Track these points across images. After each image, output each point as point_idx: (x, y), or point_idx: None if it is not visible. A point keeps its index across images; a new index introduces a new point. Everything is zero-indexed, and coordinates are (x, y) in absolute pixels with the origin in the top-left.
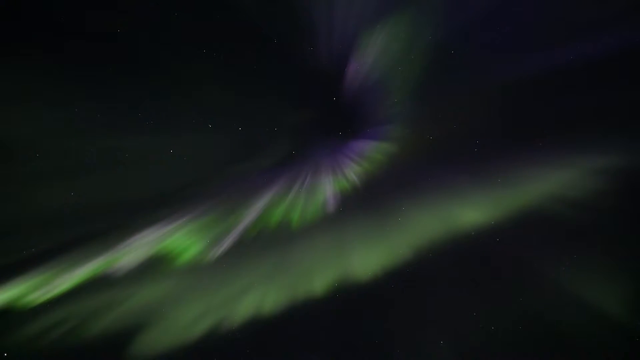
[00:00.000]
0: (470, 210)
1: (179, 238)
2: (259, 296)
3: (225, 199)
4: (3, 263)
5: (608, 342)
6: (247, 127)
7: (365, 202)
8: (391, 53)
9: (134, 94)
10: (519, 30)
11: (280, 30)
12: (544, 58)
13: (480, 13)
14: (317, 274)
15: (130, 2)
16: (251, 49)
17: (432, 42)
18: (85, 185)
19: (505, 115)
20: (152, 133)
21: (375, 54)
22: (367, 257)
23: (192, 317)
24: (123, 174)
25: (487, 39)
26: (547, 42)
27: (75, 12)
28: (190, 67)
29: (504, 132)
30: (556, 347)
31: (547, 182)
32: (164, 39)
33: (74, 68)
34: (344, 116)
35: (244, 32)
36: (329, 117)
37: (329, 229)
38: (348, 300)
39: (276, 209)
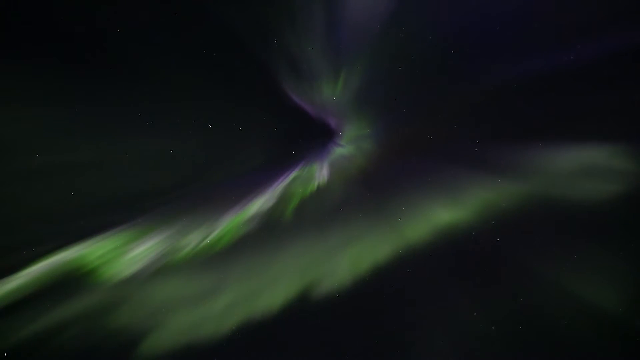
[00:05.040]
0: (470, 210)
1: (178, 237)
2: (257, 297)
3: (223, 198)
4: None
5: (608, 342)
6: (244, 128)
7: (365, 202)
8: (391, 53)
9: (130, 96)
10: (519, 30)
11: (280, 31)
12: (543, 58)
13: (480, 13)
14: (316, 273)
15: (129, 4)
16: (250, 50)
17: (432, 42)
18: (84, 184)
19: (506, 115)
20: (152, 134)
21: (375, 53)
22: (367, 257)
23: (192, 318)
24: (121, 173)
25: (486, 39)
26: (547, 42)
27: (75, 13)
28: (187, 68)
29: (504, 132)
30: (556, 347)
31: (547, 182)
32: (162, 40)
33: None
34: (342, 116)
35: (242, 33)
36: (327, 116)
37: (329, 228)
38: (348, 300)
39: (274, 207)
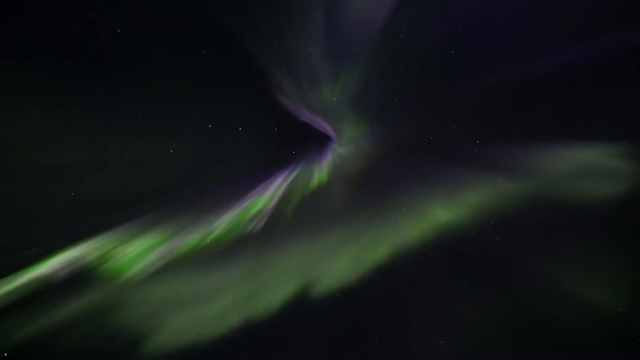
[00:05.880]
0: (470, 210)
1: (177, 237)
2: (257, 297)
3: (223, 198)
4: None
5: (608, 342)
6: (244, 128)
7: (365, 202)
8: (391, 53)
9: (130, 96)
10: (519, 30)
11: (279, 32)
12: (543, 58)
13: (480, 13)
14: (317, 273)
15: (129, 5)
16: (249, 50)
17: (432, 42)
18: (84, 184)
19: (506, 115)
20: (152, 134)
21: (375, 54)
22: (367, 256)
23: (192, 318)
24: (121, 173)
25: (486, 40)
26: (546, 42)
27: (75, 13)
28: (187, 69)
29: (504, 132)
30: (556, 347)
31: (547, 182)
32: (162, 41)
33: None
34: (342, 116)
35: (242, 33)
36: (326, 116)
37: (329, 228)
38: (348, 299)
39: (274, 207)
